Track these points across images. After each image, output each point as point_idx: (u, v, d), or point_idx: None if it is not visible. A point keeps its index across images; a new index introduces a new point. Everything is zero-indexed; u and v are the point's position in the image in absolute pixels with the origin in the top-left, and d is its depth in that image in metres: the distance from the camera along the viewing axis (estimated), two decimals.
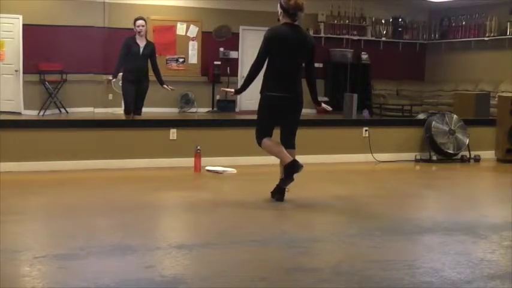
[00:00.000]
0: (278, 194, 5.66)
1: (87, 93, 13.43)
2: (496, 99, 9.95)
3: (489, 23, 14.54)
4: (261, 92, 5.64)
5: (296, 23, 5.59)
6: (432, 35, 16.29)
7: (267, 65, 5.60)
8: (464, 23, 15.30)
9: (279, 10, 5.59)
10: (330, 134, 8.53)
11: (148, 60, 8.73)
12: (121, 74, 9.01)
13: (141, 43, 8.60)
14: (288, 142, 5.69)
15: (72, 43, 12.97)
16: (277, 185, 5.69)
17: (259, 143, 5.70)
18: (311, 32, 15.01)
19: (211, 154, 7.56)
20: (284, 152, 5.57)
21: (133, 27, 8.68)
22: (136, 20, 8.69)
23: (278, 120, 5.69)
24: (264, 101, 5.64)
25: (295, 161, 5.54)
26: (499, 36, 14.30)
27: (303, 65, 5.69)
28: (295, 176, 5.56)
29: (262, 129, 5.68)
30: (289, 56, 5.53)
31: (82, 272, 3.60)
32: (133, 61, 8.53)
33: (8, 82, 12.80)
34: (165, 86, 8.88)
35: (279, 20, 5.64)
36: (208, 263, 3.87)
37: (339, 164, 8.22)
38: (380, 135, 8.66)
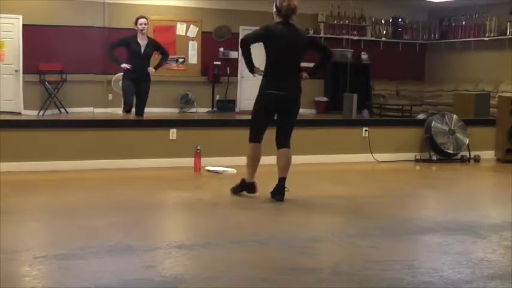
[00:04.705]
0: (278, 194, 5.68)
1: (87, 93, 13.43)
2: (496, 99, 9.95)
3: (489, 23, 14.53)
4: (259, 89, 5.73)
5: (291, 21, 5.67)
6: (432, 35, 16.28)
7: (266, 63, 5.69)
8: (464, 23, 15.29)
9: (274, 9, 5.69)
10: (330, 134, 8.53)
11: (150, 60, 8.71)
12: (121, 74, 9.00)
13: (143, 42, 8.55)
14: (283, 142, 5.75)
15: (72, 43, 12.97)
16: (276, 185, 5.71)
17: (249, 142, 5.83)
18: (311, 32, 15.02)
19: (211, 154, 7.56)
20: (253, 171, 5.81)
21: (134, 26, 8.62)
22: (138, 18, 8.62)
23: (273, 119, 5.77)
24: (261, 98, 5.72)
25: (250, 184, 5.83)
26: (499, 36, 14.29)
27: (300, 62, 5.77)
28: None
29: (255, 128, 5.79)
30: (284, 54, 5.61)
31: (82, 272, 3.60)
32: (135, 60, 8.47)
33: (8, 82, 12.80)
34: (150, 68, 8.69)
35: (273, 18, 5.74)
36: (208, 263, 3.87)
37: (339, 164, 8.21)
38: (380, 135, 8.66)
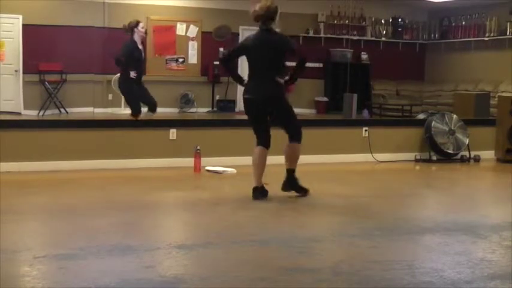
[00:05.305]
0: (287, 188, 5.84)
1: (87, 93, 13.43)
2: (496, 99, 9.95)
3: (489, 23, 14.52)
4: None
5: (273, 26, 5.80)
6: (432, 35, 16.28)
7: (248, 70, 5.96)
8: (464, 23, 15.29)
9: None
10: (330, 134, 8.54)
11: None
12: (118, 75, 8.99)
13: (141, 46, 8.56)
14: (289, 135, 5.84)
15: (72, 43, 12.97)
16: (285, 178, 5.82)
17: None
18: (311, 32, 15.03)
19: (211, 154, 7.56)
20: (256, 175, 5.77)
21: (132, 29, 8.41)
22: (138, 22, 8.50)
23: (265, 120, 5.85)
24: (243, 103, 5.93)
25: (254, 190, 5.75)
26: (498, 36, 14.29)
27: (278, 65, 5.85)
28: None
29: (254, 132, 5.90)
30: (257, 60, 5.80)
31: (82, 272, 3.60)
32: (138, 67, 8.47)
33: (8, 82, 12.79)
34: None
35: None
36: (208, 263, 3.87)
37: (339, 164, 8.22)
38: (380, 135, 8.66)
